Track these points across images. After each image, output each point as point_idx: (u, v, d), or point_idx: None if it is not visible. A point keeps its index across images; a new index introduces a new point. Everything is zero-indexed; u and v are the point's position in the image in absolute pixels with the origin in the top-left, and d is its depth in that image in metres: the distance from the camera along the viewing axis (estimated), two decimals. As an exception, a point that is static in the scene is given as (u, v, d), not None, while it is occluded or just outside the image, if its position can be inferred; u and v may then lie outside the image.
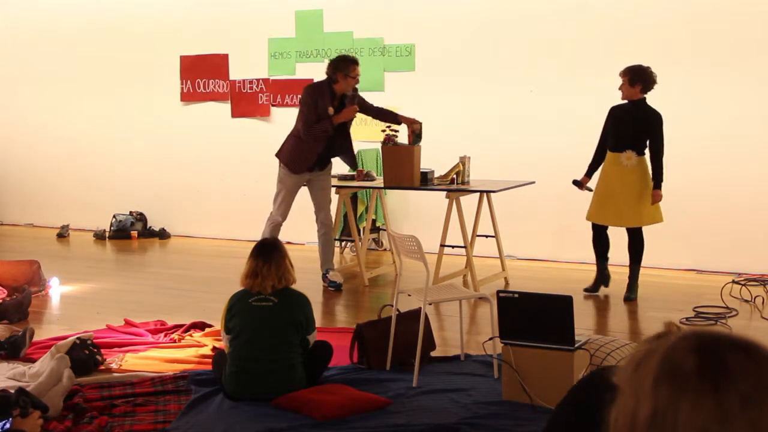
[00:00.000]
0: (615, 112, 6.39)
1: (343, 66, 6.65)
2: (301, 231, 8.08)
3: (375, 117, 7.07)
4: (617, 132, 6.33)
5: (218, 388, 4.44)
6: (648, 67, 6.23)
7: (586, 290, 6.60)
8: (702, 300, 6.32)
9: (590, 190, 6.57)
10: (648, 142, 6.27)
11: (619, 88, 6.28)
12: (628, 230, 6.44)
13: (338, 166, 7.99)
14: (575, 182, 6.63)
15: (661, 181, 6.24)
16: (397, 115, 6.96)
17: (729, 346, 1.10)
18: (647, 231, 6.75)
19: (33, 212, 10.63)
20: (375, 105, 7.02)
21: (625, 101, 6.32)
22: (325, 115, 6.62)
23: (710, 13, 7.28)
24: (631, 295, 6.44)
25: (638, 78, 6.18)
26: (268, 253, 4.42)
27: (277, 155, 6.92)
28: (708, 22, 7.29)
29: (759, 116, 7.19)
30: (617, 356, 4.61)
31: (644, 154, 6.30)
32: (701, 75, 7.32)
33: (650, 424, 1.07)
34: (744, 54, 7.18)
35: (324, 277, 6.99)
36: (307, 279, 6.98)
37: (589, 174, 6.58)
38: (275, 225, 6.82)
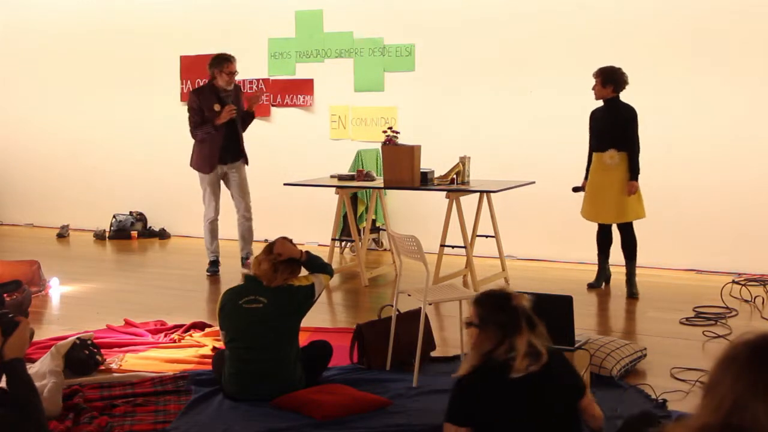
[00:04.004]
0: (594, 115, 6.59)
1: (217, 63, 7.26)
2: (301, 231, 8.07)
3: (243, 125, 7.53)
4: (598, 133, 6.53)
5: (218, 388, 4.44)
6: (619, 68, 6.40)
7: (589, 285, 6.79)
8: (702, 300, 6.32)
9: None
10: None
11: (592, 89, 6.45)
12: (618, 227, 6.58)
13: (337, 166, 8.01)
14: (575, 189, 6.76)
15: (637, 173, 6.37)
16: (247, 111, 7.46)
17: None
18: (647, 230, 6.77)
19: (33, 212, 10.64)
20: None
21: (601, 102, 6.50)
22: (212, 113, 7.17)
23: (710, 13, 7.28)
24: (632, 291, 6.53)
25: (610, 79, 6.38)
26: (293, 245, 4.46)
27: (191, 165, 7.47)
28: (708, 22, 7.29)
29: (759, 116, 7.19)
30: (617, 356, 4.61)
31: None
32: (701, 75, 7.32)
33: (707, 391, 1.53)
34: (744, 54, 7.18)
35: (245, 260, 7.41)
36: (307, 279, 7.00)
37: (587, 178, 6.67)
38: (211, 221, 7.46)
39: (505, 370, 3.01)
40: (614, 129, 6.39)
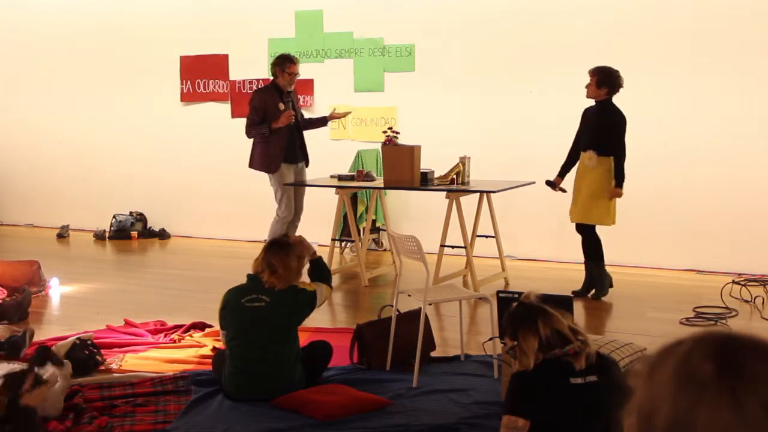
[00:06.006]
0: (585, 114, 6.43)
1: (280, 62, 7.24)
2: (301, 231, 8.07)
3: (304, 126, 7.48)
4: (583, 132, 6.39)
5: (218, 388, 4.44)
6: (616, 71, 6.21)
7: (574, 293, 6.28)
8: (702, 300, 6.32)
9: (564, 191, 6.58)
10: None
11: (586, 87, 6.26)
12: (577, 228, 6.42)
13: (337, 166, 8.01)
14: (548, 182, 6.63)
15: (621, 179, 6.18)
16: (325, 118, 7.63)
17: (746, 350, 1.09)
18: (648, 230, 6.76)
19: (33, 212, 10.64)
20: (307, 116, 7.69)
21: (593, 102, 6.33)
22: (276, 112, 7.09)
23: (710, 13, 7.28)
24: (594, 293, 6.41)
25: (606, 81, 6.18)
26: (286, 252, 4.45)
27: (250, 166, 7.35)
28: (708, 22, 7.29)
29: (759, 116, 7.19)
30: (617, 356, 4.61)
31: (608, 155, 6.23)
32: (701, 75, 7.32)
33: (668, 430, 1.07)
34: (744, 54, 7.18)
35: None
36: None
37: (562, 174, 6.60)
38: (290, 223, 7.38)
39: (567, 371, 2.99)
40: (598, 131, 6.22)
